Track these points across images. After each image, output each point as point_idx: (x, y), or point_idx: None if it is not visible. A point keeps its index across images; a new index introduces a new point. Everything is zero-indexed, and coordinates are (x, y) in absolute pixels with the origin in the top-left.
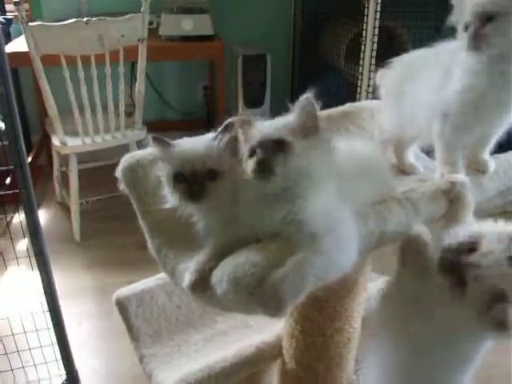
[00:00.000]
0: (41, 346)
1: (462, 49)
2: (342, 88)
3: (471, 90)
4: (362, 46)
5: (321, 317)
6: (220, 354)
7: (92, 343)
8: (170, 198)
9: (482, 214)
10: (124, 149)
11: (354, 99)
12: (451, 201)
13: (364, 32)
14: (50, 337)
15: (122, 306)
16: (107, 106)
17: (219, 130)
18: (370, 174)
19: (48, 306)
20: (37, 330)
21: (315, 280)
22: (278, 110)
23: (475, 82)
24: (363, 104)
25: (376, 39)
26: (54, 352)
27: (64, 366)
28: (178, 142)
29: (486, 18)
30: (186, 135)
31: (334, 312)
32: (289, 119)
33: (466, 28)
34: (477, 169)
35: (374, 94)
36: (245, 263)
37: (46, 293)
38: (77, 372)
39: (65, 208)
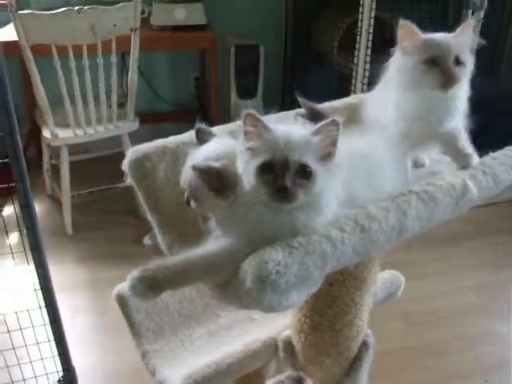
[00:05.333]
0: (37, 343)
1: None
2: (334, 79)
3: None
4: (358, 37)
5: (331, 311)
6: (225, 348)
7: (87, 338)
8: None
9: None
10: (116, 140)
11: (348, 90)
12: None
13: (360, 23)
14: (47, 333)
15: (122, 300)
16: (99, 96)
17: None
18: (376, 169)
19: (45, 301)
20: (33, 327)
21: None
22: (270, 100)
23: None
24: (367, 96)
25: (372, 30)
26: (51, 348)
27: (61, 363)
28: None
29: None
30: (178, 126)
31: (345, 306)
32: (307, 134)
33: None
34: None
35: (369, 86)
36: (267, 261)
37: (42, 288)
38: (74, 368)
39: (56, 201)
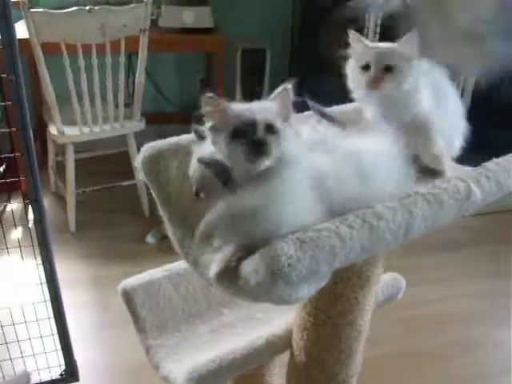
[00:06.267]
0: (41, 336)
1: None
2: (340, 84)
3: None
4: None
5: (335, 310)
6: (228, 345)
7: (88, 334)
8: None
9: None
10: (121, 140)
11: None
12: None
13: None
14: (51, 327)
15: (127, 296)
16: (106, 96)
17: None
18: (372, 170)
19: (50, 295)
20: (37, 320)
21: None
22: None
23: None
24: None
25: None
26: (54, 342)
27: (64, 357)
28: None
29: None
30: (183, 128)
31: (348, 305)
32: (264, 105)
33: (365, 67)
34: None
35: None
36: (280, 255)
37: (48, 282)
38: (75, 362)
39: (60, 198)
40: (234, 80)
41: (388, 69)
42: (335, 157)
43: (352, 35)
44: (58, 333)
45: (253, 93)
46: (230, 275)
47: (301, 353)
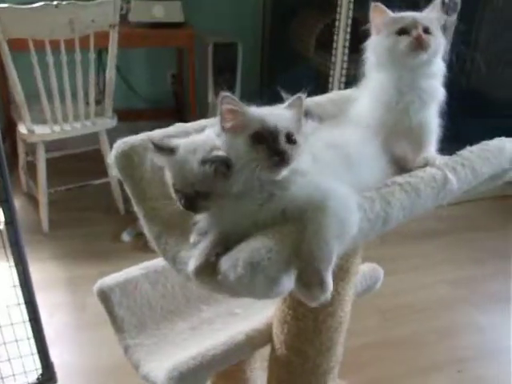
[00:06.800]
0: (16, 340)
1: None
2: (311, 77)
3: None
4: (335, 36)
5: None
6: (208, 342)
7: (65, 336)
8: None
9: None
10: (93, 137)
11: (325, 88)
12: None
13: (337, 22)
14: (26, 330)
15: (104, 295)
16: (76, 92)
17: None
18: (356, 160)
19: (24, 298)
20: (12, 324)
21: (338, 243)
22: (248, 98)
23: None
24: (348, 92)
25: (349, 29)
26: (30, 346)
27: (40, 360)
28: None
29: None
30: (155, 124)
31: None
32: (282, 112)
33: (401, 32)
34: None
35: (346, 85)
36: (260, 248)
37: (21, 285)
38: (52, 365)
39: (31, 198)
40: (206, 75)
41: (426, 31)
42: (327, 151)
43: (375, 7)
44: (34, 336)
45: (225, 87)
46: (208, 271)
47: (282, 346)
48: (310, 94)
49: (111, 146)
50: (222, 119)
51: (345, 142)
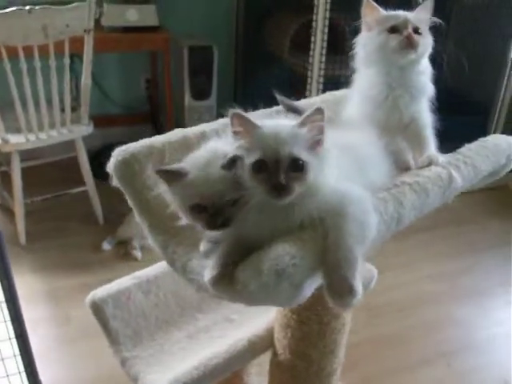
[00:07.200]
0: (2, 359)
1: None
2: (287, 78)
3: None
4: (312, 37)
5: (319, 304)
6: (207, 350)
7: (51, 350)
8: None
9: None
10: (69, 145)
11: (302, 90)
12: None
13: (314, 23)
14: (13, 347)
15: (97, 308)
16: (51, 100)
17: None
18: (366, 162)
19: (10, 315)
20: None
21: (360, 248)
22: (224, 101)
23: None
24: (341, 93)
25: (327, 30)
26: (17, 364)
27: (27, 377)
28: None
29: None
30: (129, 130)
31: None
32: (294, 127)
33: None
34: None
35: (324, 86)
36: (283, 255)
37: (7, 301)
38: (40, 382)
39: (6, 210)
40: (182, 78)
41: (416, 31)
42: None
43: (367, 3)
44: (21, 354)
45: (201, 90)
46: (225, 280)
47: (285, 351)
48: (285, 96)
49: (87, 153)
50: (234, 138)
51: (353, 144)
